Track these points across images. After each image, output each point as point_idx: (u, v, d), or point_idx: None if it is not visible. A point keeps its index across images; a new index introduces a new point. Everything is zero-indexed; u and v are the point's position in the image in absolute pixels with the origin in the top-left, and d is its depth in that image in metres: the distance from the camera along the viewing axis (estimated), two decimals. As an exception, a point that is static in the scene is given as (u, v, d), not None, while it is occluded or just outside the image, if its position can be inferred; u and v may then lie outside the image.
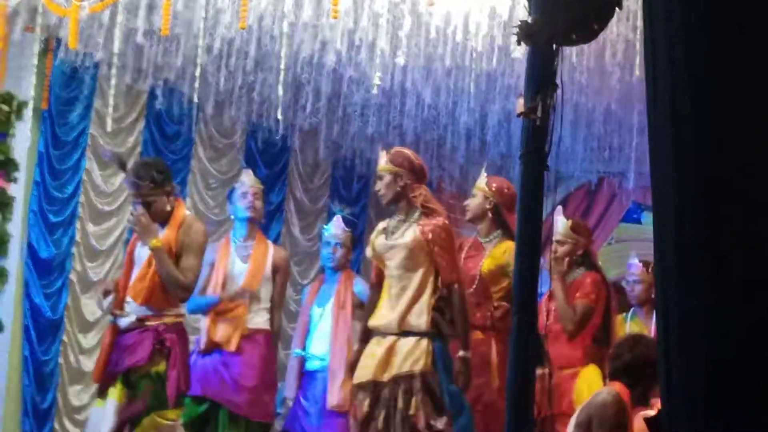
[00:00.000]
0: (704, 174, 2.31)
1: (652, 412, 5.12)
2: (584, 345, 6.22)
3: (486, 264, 6.05)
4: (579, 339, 6.19)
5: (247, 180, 6.94)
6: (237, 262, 6.80)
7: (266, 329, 6.90)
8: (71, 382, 8.45)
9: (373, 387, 5.30)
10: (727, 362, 2.27)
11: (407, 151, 5.69)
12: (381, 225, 5.66)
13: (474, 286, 6.01)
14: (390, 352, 5.28)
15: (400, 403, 5.17)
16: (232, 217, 7.00)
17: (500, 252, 6.06)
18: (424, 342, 5.25)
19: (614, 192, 10.96)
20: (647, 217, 10.64)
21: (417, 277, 5.34)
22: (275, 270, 6.86)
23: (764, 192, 2.31)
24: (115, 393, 5.61)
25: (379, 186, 5.54)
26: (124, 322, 5.70)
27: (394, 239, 5.43)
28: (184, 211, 5.87)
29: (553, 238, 6.39)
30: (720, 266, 2.30)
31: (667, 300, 2.40)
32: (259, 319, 6.87)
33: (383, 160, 5.54)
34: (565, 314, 6.03)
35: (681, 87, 2.33)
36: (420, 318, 5.27)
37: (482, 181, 6.32)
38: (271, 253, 6.90)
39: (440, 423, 5.17)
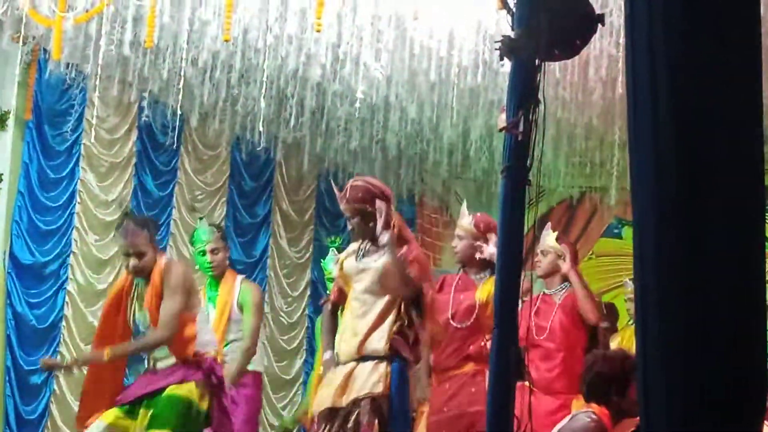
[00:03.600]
0: (685, 185, 2.33)
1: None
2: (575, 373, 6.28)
3: (483, 293, 5.88)
4: (569, 362, 6.16)
5: (203, 236, 6.73)
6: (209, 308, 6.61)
7: (256, 370, 6.86)
8: (74, 394, 8.25)
9: (330, 413, 5.22)
10: (708, 374, 2.29)
11: (373, 181, 5.46)
12: (352, 246, 5.49)
13: (473, 317, 5.92)
14: (348, 377, 5.20)
15: (350, 424, 5.12)
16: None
17: (492, 284, 5.97)
18: (383, 365, 5.16)
19: (595, 207, 11.03)
20: (628, 232, 10.69)
21: (381, 302, 5.23)
22: (240, 308, 6.67)
23: (744, 203, 2.33)
24: (110, 415, 5.28)
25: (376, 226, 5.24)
26: (162, 365, 5.42)
27: (365, 263, 5.31)
28: (163, 260, 5.57)
29: (538, 249, 6.37)
30: (701, 278, 2.31)
31: (647, 314, 2.42)
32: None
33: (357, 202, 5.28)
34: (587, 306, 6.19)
35: (662, 98, 2.36)
36: (380, 343, 5.17)
37: (468, 222, 5.99)
38: (236, 293, 6.70)
39: None
